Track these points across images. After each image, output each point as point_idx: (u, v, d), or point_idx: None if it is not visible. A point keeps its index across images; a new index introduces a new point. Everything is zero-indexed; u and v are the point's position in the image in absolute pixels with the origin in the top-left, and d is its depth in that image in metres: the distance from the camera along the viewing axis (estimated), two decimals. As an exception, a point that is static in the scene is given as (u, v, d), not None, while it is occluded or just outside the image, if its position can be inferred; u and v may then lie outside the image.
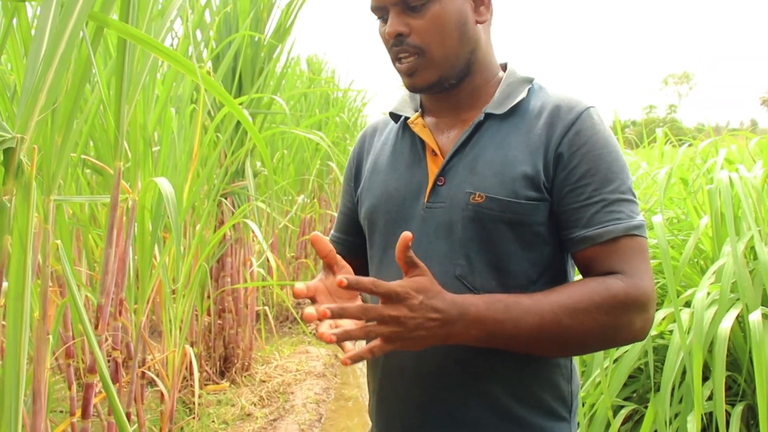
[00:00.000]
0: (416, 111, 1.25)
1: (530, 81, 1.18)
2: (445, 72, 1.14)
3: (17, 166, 1.24)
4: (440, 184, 1.14)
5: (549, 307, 0.99)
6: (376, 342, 0.92)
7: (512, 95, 1.15)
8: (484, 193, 1.09)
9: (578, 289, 1.01)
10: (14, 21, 1.61)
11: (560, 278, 1.15)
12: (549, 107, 1.12)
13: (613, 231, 1.04)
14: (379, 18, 1.17)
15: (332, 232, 1.40)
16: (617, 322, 1.01)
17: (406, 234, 0.93)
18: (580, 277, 1.13)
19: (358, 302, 1.04)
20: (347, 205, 1.35)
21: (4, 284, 1.32)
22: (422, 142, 1.20)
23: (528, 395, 1.12)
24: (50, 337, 1.72)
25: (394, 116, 1.28)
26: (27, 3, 1.67)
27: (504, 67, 1.23)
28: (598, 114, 1.11)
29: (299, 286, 0.99)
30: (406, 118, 1.24)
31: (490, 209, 1.08)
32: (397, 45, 1.13)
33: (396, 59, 1.15)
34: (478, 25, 1.16)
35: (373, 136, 1.34)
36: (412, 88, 1.17)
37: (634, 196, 1.09)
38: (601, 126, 1.10)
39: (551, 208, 1.10)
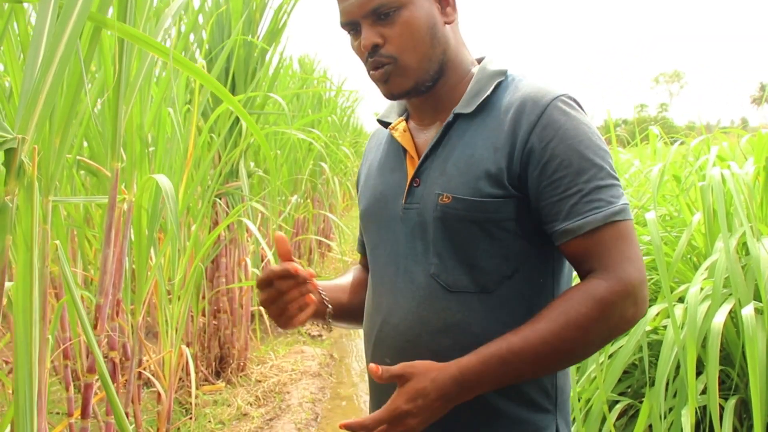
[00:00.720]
0: (401, 116, 1.28)
1: (502, 74, 1.18)
2: (420, 77, 1.15)
3: (18, 166, 1.25)
4: (416, 185, 1.17)
5: (541, 341, 1.01)
6: None
7: (480, 92, 1.16)
8: (450, 194, 1.11)
9: (562, 307, 1.02)
10: (14, 23, 1.62)
11: (539, 272, 1.15)
12: (516, 102, 1.12)
13: (593, 221, 1.04)
14: (349, 32, 1.19)
15: (359, 234, 1.45)
16: (610, 322, 1.02)
17: (372, 367, 1.05)
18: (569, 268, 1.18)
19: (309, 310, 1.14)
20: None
21: (7, 284, 1.33)
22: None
23: (506, 387, 1.11)
24: (50, 338, 1.73)
25: (382, 123, 1.31)
26: (25, 3, 1.67)
27: (480, 62, 1.24)
28: (567, 101, 1.10)
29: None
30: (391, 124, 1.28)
31: (456, 209, 1.10)
32: (372, 56, 1.15)
33: (372, 68, 1.17)
34: (447, 25, 1.17)
35: (370, 144, 1.40)
36: (389, 96, 1.19)
37: (614, 177, 1.08)
38: (571, 114, 1.09)
39: (522, 203, 1.10)
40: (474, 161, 1.11)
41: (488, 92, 1.15)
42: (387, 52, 1.13)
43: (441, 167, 1.15)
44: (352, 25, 1.16)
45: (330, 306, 1.27)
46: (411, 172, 1.19)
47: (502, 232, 1.10)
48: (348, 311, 1.33)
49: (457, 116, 1.17)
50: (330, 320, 1.27)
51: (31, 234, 1.21)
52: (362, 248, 1.42)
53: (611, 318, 1.01)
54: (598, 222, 1.04)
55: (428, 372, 1.02)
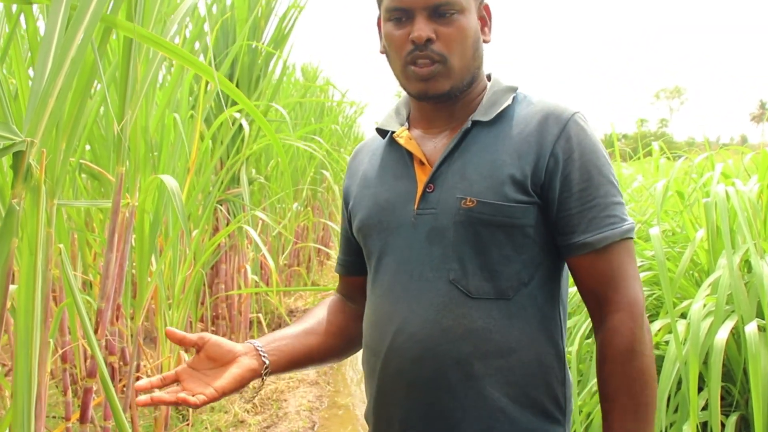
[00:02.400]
0: (402, 125, 1.27)
1: (514, 90, 1.21)
2: (456, 84, 1.16)
3: (26, 169, 1.25)
4: (429, 190, 1.16)
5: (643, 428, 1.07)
6: None
7: (497, 103, 1.19)
8: (475, 198, 1.11)
9: (622, 391, 1.08)
10: (23, 25, 1.62)
11: (551, 279, 1.18)
12: (537, 114, 1.16)
13: (611, 236, 1.09)
14: (392, 19, 1.16)
15: (338, 255, 1.42)
16: (647, 358, 1.09)
17: None
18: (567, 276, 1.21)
19: (233, 369, 1.14)
20: (344, 227, 1.38)
21: (12, 287, 1.32)
22: (409, 153, 1.22)
23: (522, 396, 1.13)
24: (51, 341, 1.72)
25: (381, 132, 1.30)
26: (35, 6, 1.67)
27: (488, 78, 1.27)
28: (583, 118, 1.16)
29: (141, 383, 1.04)
30: (392, 133, 1.26)
31: (481, 213, 1.11)
32: (421, 50, 1.13)
33: (412, 62, 1.15)
34: (484, 44, 1.21)
35: (357, 158, 1.37)
36: (423, 94, 1.17)
37: (621, 194, 1.15)
38: (588, 130, 1.15)
39: (541, 211, 1.13)
40: (497, 166, 1.13)
41: (507, 103, 1.19)
42: (438, 49, 1.13)
43: (460, 172, 1.15)
44: (403, 12, 1.14)
45: (267, 364, 1.22)
46: (422, 178, 1.18)
47: (524, 238, 1.13)
48: (293, 360, 1.28)
49: (474, 123, 1.18)
50: (264, 377, 1.21)
51: (36, 238, 1.20)
52: (346, 269, 1.39)
53: (645, 354, 1.09)
54: (616, 237, 1.10)
55: None
